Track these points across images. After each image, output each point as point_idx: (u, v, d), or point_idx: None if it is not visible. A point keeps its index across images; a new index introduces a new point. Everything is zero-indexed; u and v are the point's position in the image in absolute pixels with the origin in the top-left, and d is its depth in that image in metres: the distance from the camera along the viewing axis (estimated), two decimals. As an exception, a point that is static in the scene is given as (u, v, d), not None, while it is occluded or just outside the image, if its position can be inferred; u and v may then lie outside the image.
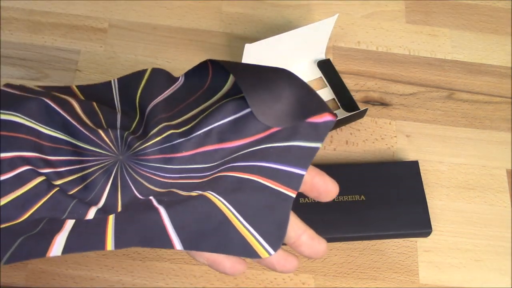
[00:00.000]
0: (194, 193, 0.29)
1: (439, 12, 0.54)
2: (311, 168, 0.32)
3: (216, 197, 0.30)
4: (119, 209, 0.29)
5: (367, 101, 0.49)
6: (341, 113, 0.47)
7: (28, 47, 0.48)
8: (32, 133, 0.27)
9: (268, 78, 0.30)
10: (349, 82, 0.50)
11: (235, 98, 0.29)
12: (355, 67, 0.51)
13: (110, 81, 0.32)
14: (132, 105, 0.31)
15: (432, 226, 0.44)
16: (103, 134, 0.29)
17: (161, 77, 0.32)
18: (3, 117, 0.27)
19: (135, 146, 0.28)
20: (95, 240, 0.28)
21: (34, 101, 0.28)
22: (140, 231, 0.29)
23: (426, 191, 0.45)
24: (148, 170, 0.28)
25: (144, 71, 0.32)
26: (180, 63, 0.49)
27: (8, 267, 0.40)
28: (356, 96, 0.49)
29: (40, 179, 0.27)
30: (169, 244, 0.29)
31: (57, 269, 0.41)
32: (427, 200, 0.45)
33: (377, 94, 0.50)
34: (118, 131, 0.29)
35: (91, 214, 0.28)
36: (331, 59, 0.50)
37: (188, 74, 0.32)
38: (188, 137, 0.28)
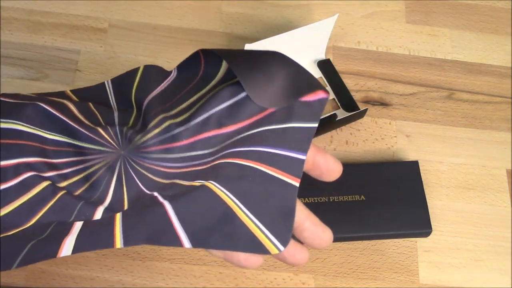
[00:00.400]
0: (196, 183, 0.30)
1: (439, 12, 0.54)
2: (312, 146, 0.32)
3: (218, 188, 0.30)
4: (126, 205, 0.29)
5: (367, 101, 0.49)
6: (341, 113, 0.47)
7: (28, 47, 0.48)
8: (33, 138, 0.28)
9: (261, 61, 0.30)
10: (349, 82, 0.50)
11: (230, 83, 0.30)
12: (355, 67, 0.51)
13: (103, 82, 0.33)
14: (128, 103, 0.32)
15: (432, 226, 0.44)
16: (102, 131, 0.29)
17: (154, 72, 0.32)
18: (3, 125, 0.27)
19: (135, 139, 0.29)
20: (104, 238, 0.29)
21: (31, 107, 0.28)
22: (147, 226, 0.29)
23: (426, 191, 0.45)
24: (151, 162, 0.28)
25: (137, 69, 0.33)
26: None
27: (8, 267, 0.40)
28: (356, 96, 0.49)
29: (45, 184, 0.27)
30: (177, 241, 0.29)
31: (57, 269, 0.41)
32: (427, 200, 0.45)
33: (377, 94, 0.50)
34: (117, 127, 0.29)
35: (98, 214, 0.28)
36: (331, 59, 0.50)
37: (181, 66, 0.33)
38: (187, 126, 0.29)
